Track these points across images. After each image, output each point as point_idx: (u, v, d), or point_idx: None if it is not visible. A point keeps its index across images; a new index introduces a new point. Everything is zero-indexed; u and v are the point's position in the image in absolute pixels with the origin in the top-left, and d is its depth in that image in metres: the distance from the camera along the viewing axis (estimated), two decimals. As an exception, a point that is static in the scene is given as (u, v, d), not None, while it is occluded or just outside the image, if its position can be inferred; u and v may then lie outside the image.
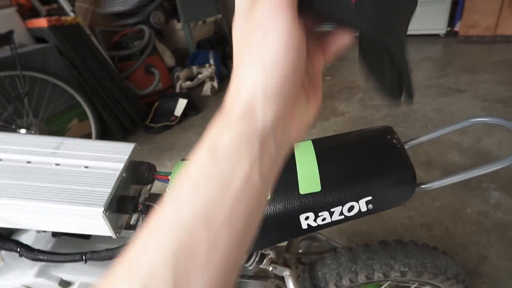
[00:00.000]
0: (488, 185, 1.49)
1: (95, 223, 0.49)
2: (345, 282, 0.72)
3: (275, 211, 0.44)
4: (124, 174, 0.53)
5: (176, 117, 2.69)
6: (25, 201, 0.48)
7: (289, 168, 0.46)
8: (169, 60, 3.25)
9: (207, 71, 3.16)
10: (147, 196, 0.61)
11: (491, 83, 2.49)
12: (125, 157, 0.55)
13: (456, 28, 3.43)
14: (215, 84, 3.25)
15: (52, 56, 2.11)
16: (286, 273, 0.73)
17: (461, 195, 1.47)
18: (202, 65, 3.25)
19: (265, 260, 0.70)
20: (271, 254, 0.70)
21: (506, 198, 1.41)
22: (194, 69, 3.20)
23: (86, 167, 0.54)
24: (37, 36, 2.35)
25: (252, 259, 0.67)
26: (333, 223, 0.45)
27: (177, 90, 3.15)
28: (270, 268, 0.71)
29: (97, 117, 2.32)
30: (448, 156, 1.75)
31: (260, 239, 0.47)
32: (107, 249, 0.54)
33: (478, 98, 2.31)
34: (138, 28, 2.97)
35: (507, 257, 1.17)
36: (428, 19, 3.50)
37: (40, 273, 0.60)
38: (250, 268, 0.69)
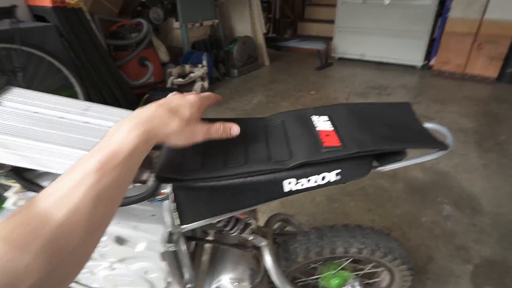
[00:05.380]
0: (442, 199, 1.69)
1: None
2: (312, 255, 0.85)
3: (264, 177, 0.56)
4: (144, 136, 0.63)
5: (165, 111, 2.77)
6: (61, 147, 0.57)
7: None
8: (164, 55, 3.33)
9: (200, 71, 3.27)
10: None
11: (456, 114, 2.78)
12: (145, 123, 0.66)
13: (431, 63, 3.76)
14: (206, 84, 3.36)
15: (51, 35, 2.14)
16: (263, 243, 0.85)
17: (419, 206, 1.66)
18: (195, 65, 3.36)
19: (247, 230, 0.81)
20: (253, 224, 0.81)
21: (456, 212, 1.61)
22: (187, 67, 3.29)
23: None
24: (36, 14, 2.38)
25: (237, 227, 0.78)
26: (307, 189, 0.58)
27: (168, 85, 3.22)
28: (250, 238, 0.83)
29: (87, 100, 2.36)
30: (411, 172, 1.96)
31: (249, 197, 0.58)
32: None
33: (444, 126, 2.57)
34: (136, 21, 3.05)
35: (450, 260, 1.35)
36: (407, 52, 3.84)
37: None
38: (233, 235, 0.80)
